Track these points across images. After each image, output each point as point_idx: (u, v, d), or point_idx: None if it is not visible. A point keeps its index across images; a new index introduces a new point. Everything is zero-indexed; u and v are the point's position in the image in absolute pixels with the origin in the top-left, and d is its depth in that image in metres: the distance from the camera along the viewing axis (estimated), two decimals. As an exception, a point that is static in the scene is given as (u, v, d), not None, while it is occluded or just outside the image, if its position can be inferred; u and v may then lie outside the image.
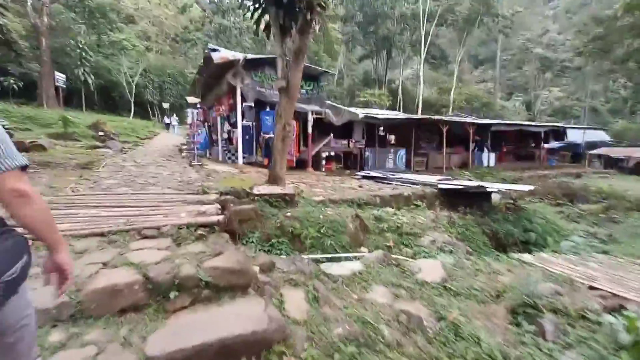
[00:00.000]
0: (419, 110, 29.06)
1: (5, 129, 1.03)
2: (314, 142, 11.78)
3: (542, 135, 18.45)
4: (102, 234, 3.04)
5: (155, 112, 32.01)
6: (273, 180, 6.29)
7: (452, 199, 7.49)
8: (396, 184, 8.86)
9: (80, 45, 23.08)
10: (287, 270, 3.01)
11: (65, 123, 13.48)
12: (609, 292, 3.20)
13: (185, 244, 2.87)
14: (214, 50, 10.17)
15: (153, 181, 6.27)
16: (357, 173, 11.20)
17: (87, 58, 23.57)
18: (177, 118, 26.36)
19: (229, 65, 10.18)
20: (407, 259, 4.13)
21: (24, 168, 1.05)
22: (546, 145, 19.63)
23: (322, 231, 4.90)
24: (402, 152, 13.66)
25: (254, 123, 11.15)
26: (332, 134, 12.17)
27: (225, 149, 11.93)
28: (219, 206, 4.09)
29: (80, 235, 2.95)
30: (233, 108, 11.04)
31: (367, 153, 12.84)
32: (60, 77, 19.81)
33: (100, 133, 14.37)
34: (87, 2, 23.72)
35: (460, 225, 6.34)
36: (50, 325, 1.85)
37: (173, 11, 36.51)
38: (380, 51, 35.46)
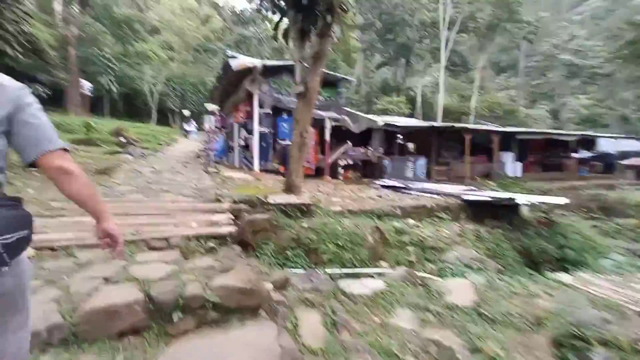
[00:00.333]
0: (439, 118, 28.47)
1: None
2: (331, 149, 11.58)
3: (575, 144, 17.57)
4: (108, 245, 2.88)
5: (176, 119, 32.76)
6: (289, 188, 6.08)
7: (477, 211, 7.04)
8: (417, 194, 8.48)
9: (107, 55, 24.00)
10: (302, 288, 2.80)
11: (87, 129, 13.85)
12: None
13: (194, 257, 2.69)
14: (233, 57, 10.21)
15: (167, 188, 6.20)
16: (375, 182, 10.87)
17: (112, 67, 24.49)
18: (195, 125, 26.82)
19: (247, 72, 10.18)
20: (434, 277, 3.81)
21: (65, 150, 1.15)
22: (576, 155, 18.66)
23: (339, 244, 4.65)
24: (422, 160, 13.26)
25: (271, 130, 11.08)
26: (349, 142, 11.95)
27: (241, 155, 11.90)
28: (232, 216, 3.91)
29: (85, 245, 2.81)
30: (250, 115, 11.01)
31: (385, 161, 12.52)
32: (86, 85, 20.58)
33: (122, 139, 14.67)
34: (115, 15, 24.74)
35: (489, 240, 5.91)
36: (39, 350, 1.67)
37: (195, 22, 37.57)
38: (398, 58, 35.16)
